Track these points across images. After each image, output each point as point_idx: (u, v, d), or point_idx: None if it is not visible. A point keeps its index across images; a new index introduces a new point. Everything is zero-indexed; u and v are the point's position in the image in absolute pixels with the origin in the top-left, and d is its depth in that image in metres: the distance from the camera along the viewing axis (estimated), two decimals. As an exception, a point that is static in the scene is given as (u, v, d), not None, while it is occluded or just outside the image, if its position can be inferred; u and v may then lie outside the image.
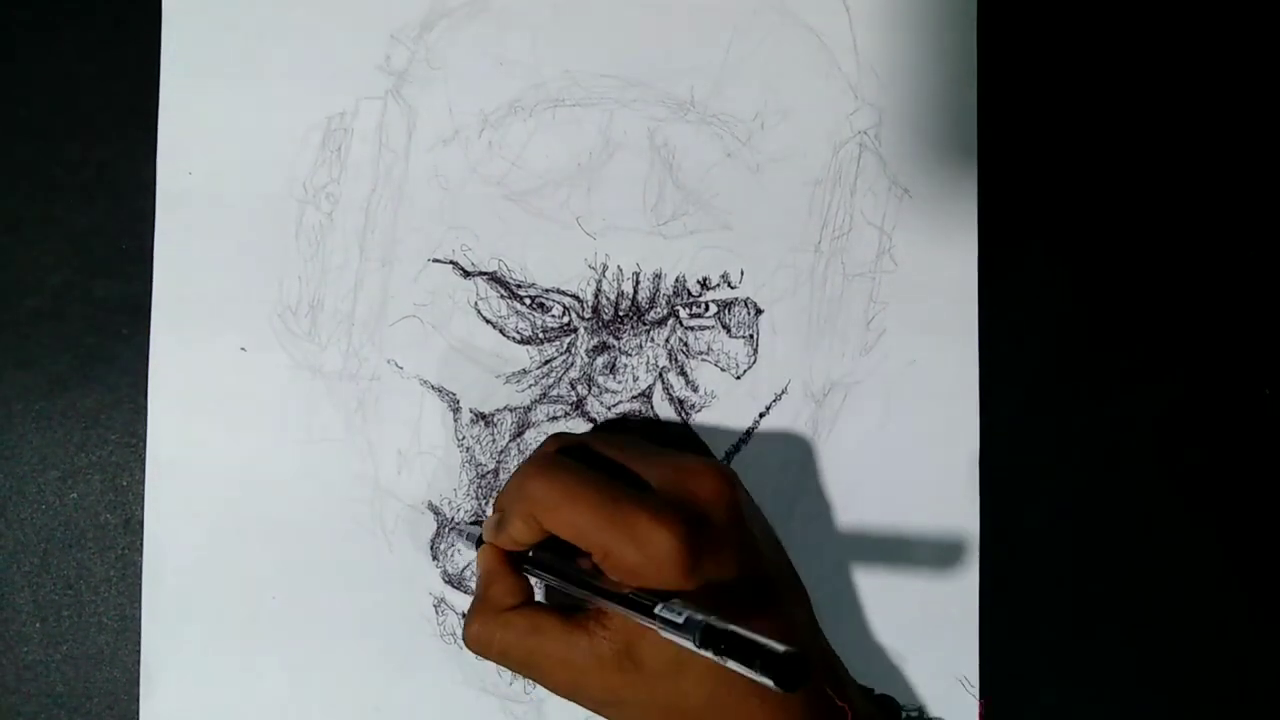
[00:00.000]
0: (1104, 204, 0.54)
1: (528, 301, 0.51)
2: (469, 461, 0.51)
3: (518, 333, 0.51)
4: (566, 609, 0.45)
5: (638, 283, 0.51)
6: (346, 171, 0.51)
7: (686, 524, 0.42)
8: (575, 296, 0.51)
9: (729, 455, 0.52)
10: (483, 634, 0.45)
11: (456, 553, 0.51)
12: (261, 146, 0.50)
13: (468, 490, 0.51)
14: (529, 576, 0.47)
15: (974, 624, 0.52)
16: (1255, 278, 0.54)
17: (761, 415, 0.52)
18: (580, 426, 0.51)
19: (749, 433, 0.52)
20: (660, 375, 0.51)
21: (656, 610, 0.40)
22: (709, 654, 0.38)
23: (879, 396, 0.52)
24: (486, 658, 0.46)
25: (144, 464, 0.50)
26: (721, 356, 0.52)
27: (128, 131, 0.50)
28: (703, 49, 0.52)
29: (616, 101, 0.51)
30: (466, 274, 0.51)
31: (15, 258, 0.50)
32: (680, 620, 0.39)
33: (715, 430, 0.52)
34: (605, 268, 0.51)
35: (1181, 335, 0.54)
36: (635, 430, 0.52)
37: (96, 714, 0.50)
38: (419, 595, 0.51)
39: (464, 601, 0.51)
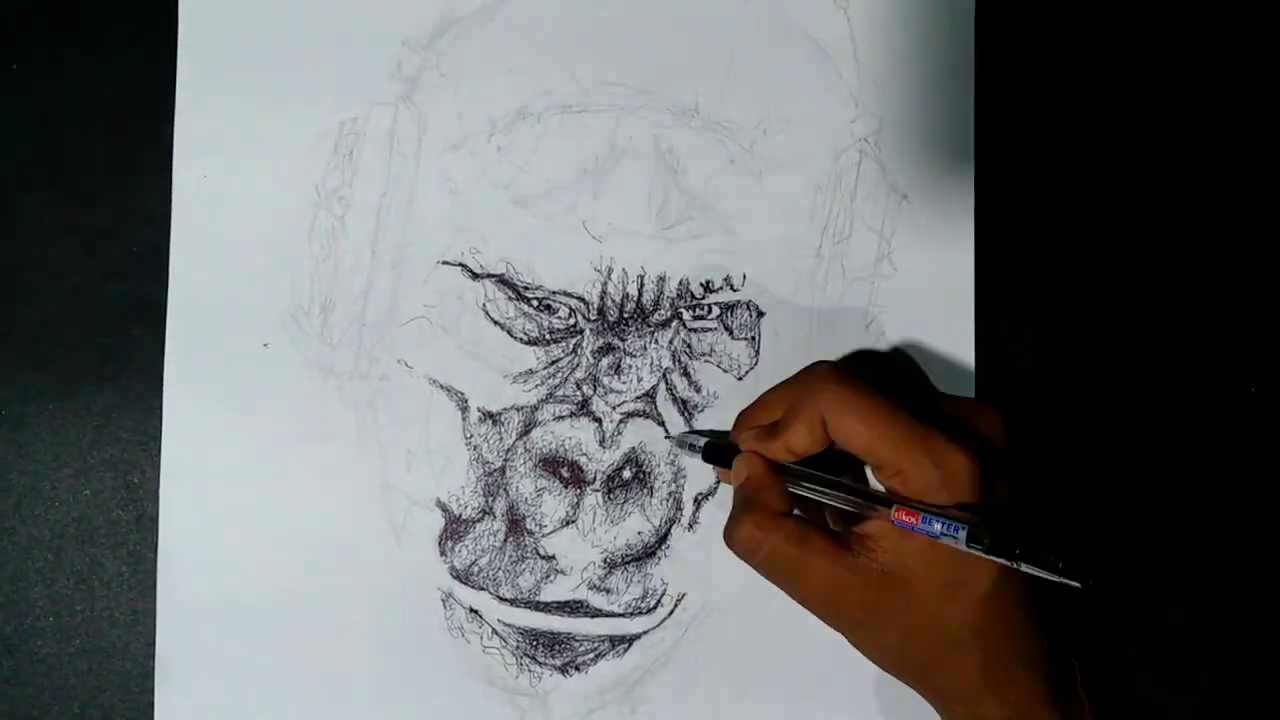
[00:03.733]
0: (1096, 210, 0.54)
1: (535, 303, 0.52)
2: (476, 460, 0.52)
3: (525, 334, 0.52)
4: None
5: (642, 285, 0.52)
6: (358, 176, 0.51)
7: (979, 452, 0.44)
8: (581, 299, 0.52)
9: (731, 454, 0.53)
10: (754, 536, 0.46)
11: (464, 549, 0.52)
12: (275, 150, 0.51)
13: (475, 488, 0.52)
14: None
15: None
16: (1242, 280, 0.55)
17: (763, 415, 0.53)
18: (586, 426, 0.52)
19: (752, 432, 0.53)
20: (664, 376, 0.52)
21: (948, 513, 0.43)
22: (1007, 562, 0.41)
23: (877, 397, 0.53)
24: (749, 561, 0.46)
25: (156, 462, 0.50)
26: (724, 358, 0.53)
27: (144, 135, 0.51)
28: (707, 58, 0.52)
29: (622, 108, 0.52)
30: (475, 276, 0.52)
31: (31, 258, 0.51)
32: (976, 531, 0.41)
33: (717, 430, 0.52)
34: (611, 271, 0.52)
35: (1172, 336, 0.54)
36: None
37: (110, 707, 0.51)
38: (427, 590, 0.51)
39: (471, 596, 0.51)
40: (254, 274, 0.51)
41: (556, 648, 0.52)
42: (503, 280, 0.52)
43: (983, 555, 0.42)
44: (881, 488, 0.46)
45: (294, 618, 0.51)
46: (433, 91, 0.51)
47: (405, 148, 0.51)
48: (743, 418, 0.49)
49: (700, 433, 0.52)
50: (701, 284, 0.52)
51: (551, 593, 0.52)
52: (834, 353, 0.53)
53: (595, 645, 0.52)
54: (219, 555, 0.51)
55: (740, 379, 0.53)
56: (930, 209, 0.53)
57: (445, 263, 0.51)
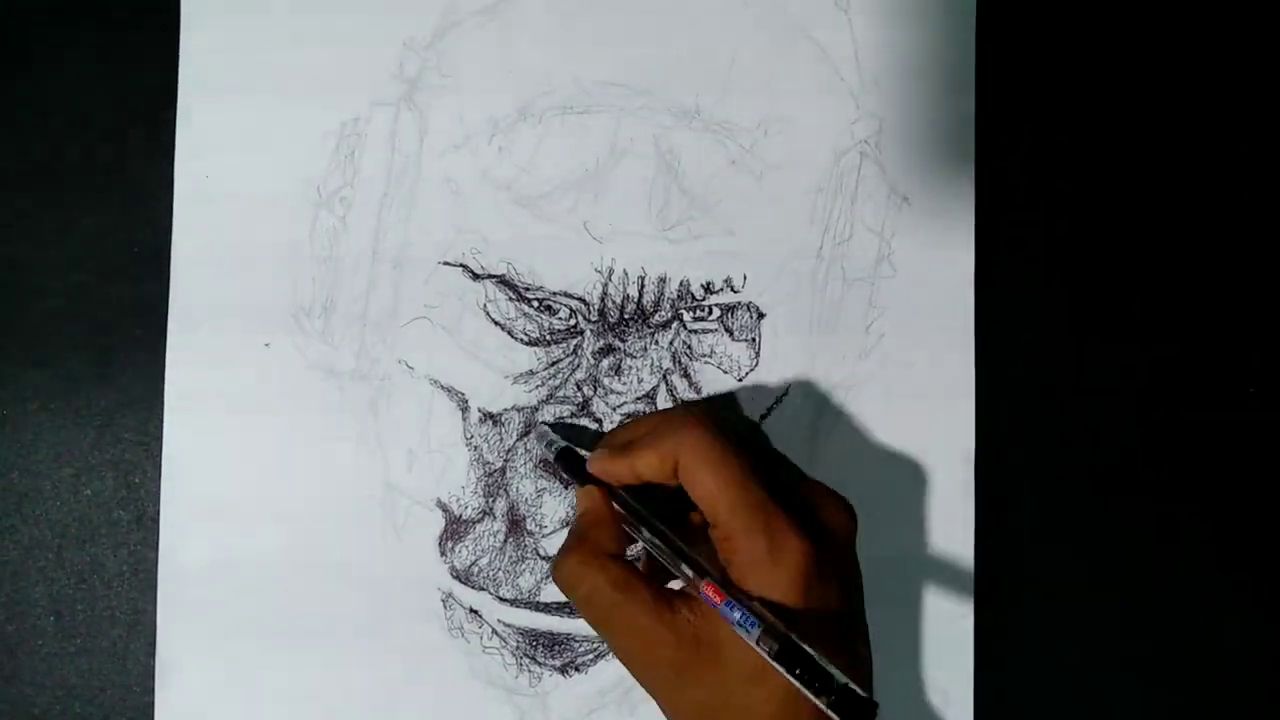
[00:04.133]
0: (1095, 212, 0.54)
1: (535, 304, 0.52)
2: (477, 460, 0.52)
3: (526, 334, 0.52)
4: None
5: (643, 286, 0.52)
6: (360, 176, 0.51)
7: (817, 545, 0.42)
8: (582, 299, 0.52)
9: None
10: (576, 572, 0.44)
11: (464, 549, 0.52)
12: (277, 151, 0.51)
13: (475, 488, 0.52)
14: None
15: (969, 622, 0.52)
16: (1241, 281, 0.55)
17: (763, 417, 0.53)
18: (587, 427, 0.52)
19: (752, 433, 0.53)
20: (664, 377, 0.52)
21: (752, 607, 0.41)
22: (782, 670, 0.39)
23: (878, 399, 0.53)
24: (569, 597, 0.45)
25: (157, 462, 0.51)
26: (724, 359, 0.53)
27: (146, 135, 0.51)
28: (708, 59, 0.52)
29: (623, 109, 0.52)
30: (476, 277, 0.52)
31: (33, 259, 0.51)
32: (771, 631, 0.40)
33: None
34: (611, 272, 0.52)
35: (1171, 338, 0.54)
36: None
37: (110, 706, 0.51)
38: (427, 590, 0.51)
39: (471, 596, 0.51)
40: (255, 274, 0.51)
41: (556, 648, 0.52)
42: (504, 281, 0.52)
43: (766, 658, 0.40)
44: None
45: (294, 617, 0.51)
46: (434, 92, 0.52)
47: (406, 148, 0.51)
48: (609, 436, 0.49)
49: (561, 426, 0.51)
50: (702, 285, 0.52)
51: (551, 593, 0.52)
52: (835, 356, 0.53)
53: (595, 645, 0.52)
54: (219, 556, 0.51)
55: (741, 380, 0.53)
56: (931, 210, 0.53)
57: (446, 263, 0.52)
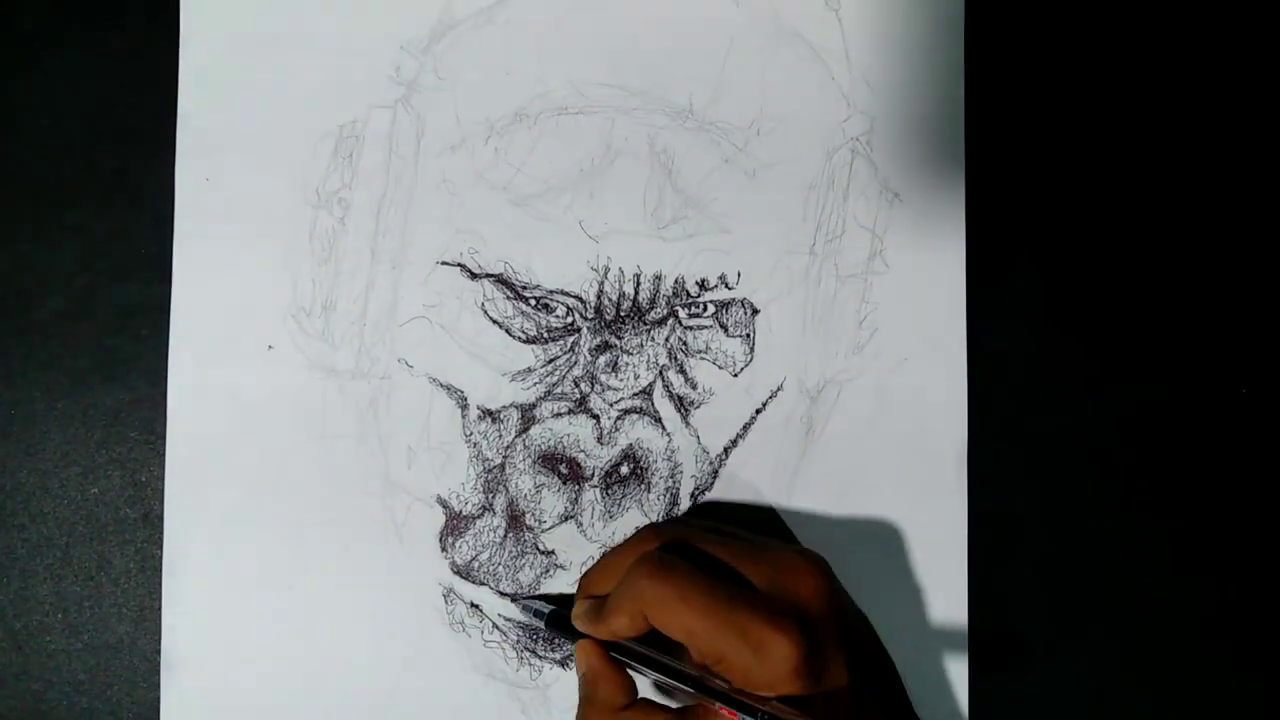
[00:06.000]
0: (1087, 208, 0.54)
1: (533, 302, 0.52)
2: (476, 457, 0.52)
3: (523, 332, 0.52)
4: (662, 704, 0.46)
5: (638, 284, 0.52)
6: (358, 177, 0.52)
7: (799, 627, 0.43)
8: (578, 297, 0.52)
9: (727, 450, 0.53)
10: None
11: (464, 545, 0.52)
12: (276, 153, 0.52)
13: (475, 484, 0.52)
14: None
15: (963, 616, 0.53)
16: (1233, 282, 0.55)
17: (758, 411, 0.53)
18: (584, 423, 0.52)
19: (746, 428, 0.53)
20: (660, 373, 0.52)
21: (768, 708, 0.42)
22: None
23: (871, 393, 0.53)
24: None
25: (162, 460, 0.51)
26: (719, 355, 0.53)
27: (148, 140, 0.51)
28: (701, 59, 0.53)
29: (618, 110, 0.52)
30: (474, 276, 0.52)
31: (39, 261, 0.52)
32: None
33: (713, 426, 0.53)
34: (607, 270, 0.52)
35: (1162, 336, 0.54)
36: (724, 514, 0.52)
37: (117, 701, 0.51)
38: (428, 585, 0.52)
39: (472, 591, 0.52)
40: (256, 275, 0.52)
41: (556, 641, 0.52)
42: (501, 280, 0.52)
43: None
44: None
45: (297, 614, 0.51)
46: (431, 94, 0.52)
47: (404, 150, 0.52)
48: (583, 584, 0.50)
49: (545, 598, 0.52)
50: (697, 282, 0.53)
51: (551, 587, 0.52)
52: (828, 351, 0.53)
53: (594, 639, 0.52)
54: (223, 552, 0.51)
55: (736, 375, 0.53)
56: (922, 207, 0.53)
57: (444, 263, 0.52)
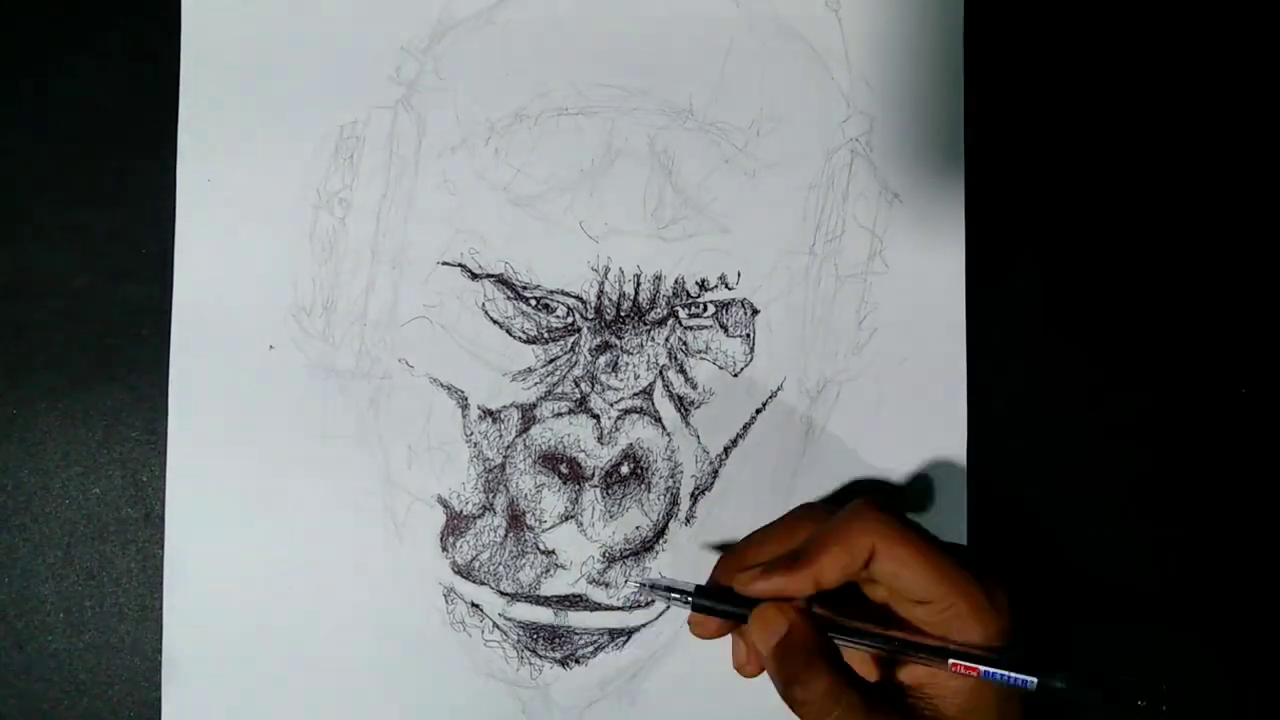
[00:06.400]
0: (1085, 208, 0.54)
1: (533, 302, 0.52)
2: (476, 456, 0.52)
3: (524, 332, 0.52)
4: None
5: (638, 284, 0.52)
6: (359, 178, 0.52)
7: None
8: (579, 298, 0.52)
9: (726, 450, 0.53)
10: (826, 707, 0.42)
11: (465, 544, 0.52)
12: (277, 154, 0.52)
13: (475, 484, 0.52)
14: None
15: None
16: (1232, 282, 0.55)
17: (758, 411, 0.53)
18: (585, 423, 0.52)
19: (746, 427, 0.53)
20: (660, 373, 0.53)
21: (1010, 657, 0.43)
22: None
23: (871, 393, 0.53)
24: None
25: (163, 460, 0.51)
26: (719, 355, 0.53)
27: (149, 140, 0.52)
28: (701, 60, 0.53)
29: (618, 110, 0.52)
30: (474, 276, 0.52)
31: (41, 261, 0.52)
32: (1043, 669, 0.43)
33: (713, 426, 0.53)
34: (607, 270, 0.52)
35: (1162, 335, 0.54)
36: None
37: (118, 701, 0.52)
38: (429, 585, 0.52)
39: (472, 591, 0.52)
40: (257, 275, 0.52)
41: (557, 641, 0.52)
42: (501, 280, 0.52)
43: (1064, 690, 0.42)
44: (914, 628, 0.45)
45: (298, 613, 0.51)
46: (431, 95, 0.52)
47: (404, 150, 0.52)
48: (732, 560, 0.48)
49: (663, 582, 0.51)
50: (697, 282, 0.53)
51: (551, 587, 0.52)
52: (828, 351, 0.53)
53: (595, 638, 0.52)
54: (225, 552, 0.51)
55: (736, 375, 0.53)
56: (921, 207, 0.54)
57: (445, 263, 0.52)
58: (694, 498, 0.53)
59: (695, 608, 0.47)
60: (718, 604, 0.47)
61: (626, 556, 0.52)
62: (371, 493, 0.52)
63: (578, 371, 0.52)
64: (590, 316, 0.52)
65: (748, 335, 0.53)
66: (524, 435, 0.52)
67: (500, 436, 0.52)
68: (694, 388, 0.53)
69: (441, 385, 0.52)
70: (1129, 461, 0.54)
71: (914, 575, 0.44)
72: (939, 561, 0.44)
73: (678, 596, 0.48)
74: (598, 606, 0.52)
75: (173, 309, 0.51)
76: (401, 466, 0.52)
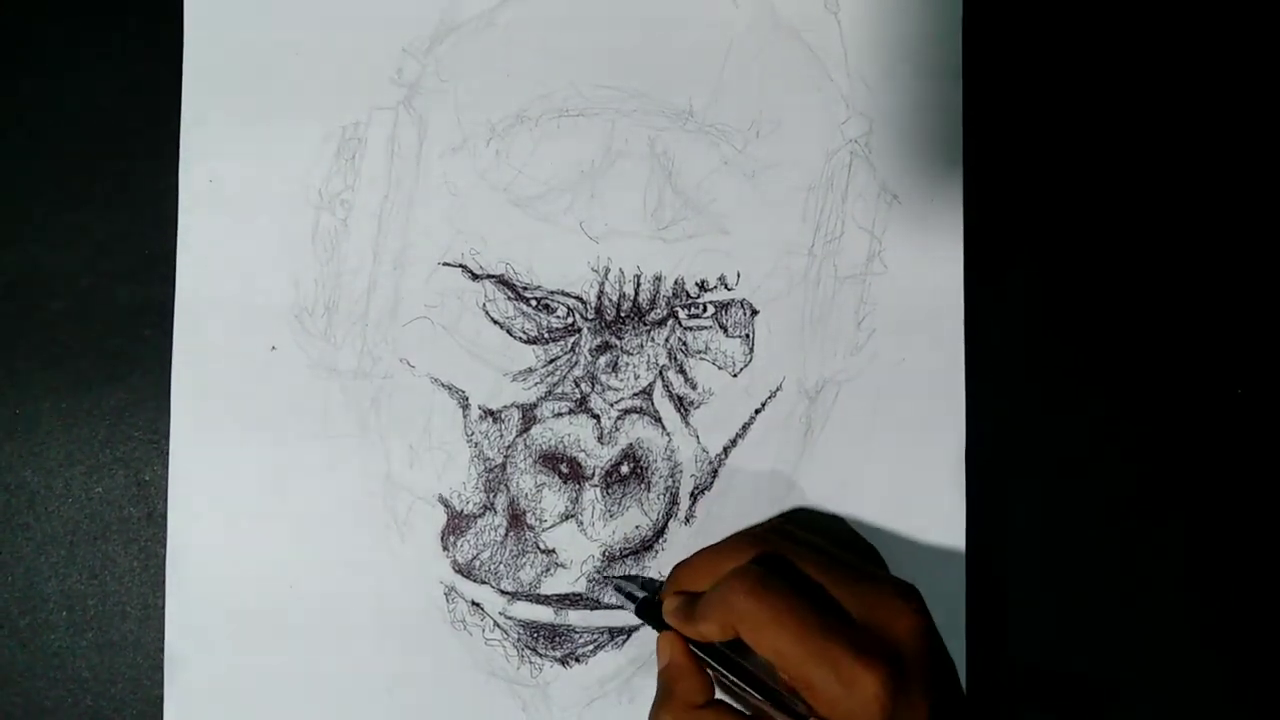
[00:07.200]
0: (1083, 210, 0.55)
1: (533, 303, 0.52)
2: (477, 456, 0.52)
3: (524, 333, 0.53)
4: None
5: (639, 285, 0.53)
6: (360, 179, 0.52)
7: (889, 666, 0.43)
8: (579, 298, 0.52)
9: (726, 450, 0.53)
10: None
11: (465, 544, 0.52)
12: (279, 155, 0.52)
13: (476, 484, 0.52)
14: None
15: (960, 615, 0.53)
16: (1230, 281, 0.55)
17: (757, 411, 0.53)
18: (585, 423, 0.52)
19: (745, 427, 0.53)
20: (660, 373, 0.53)
21: None
22: None
23: (869, 393, 0.53)
24: None
25: (166, 459, 0.51)
26: (719, 355, 0.53)
27: (152, 141, 0.52)
28: (701, 62, 0.53)
29: (618, 111, 0.53)
30: (475, 277, 0.52)
31: (44, 262, 0.52)
32: None
33: (713, 426, 0.53)
34: (608, 270, 0.52)
35: (1159, 336, 0.55)
36: (825, 530, 0.53)
37: (121, 699, 0.52)
38: (430, 583, 0.52)
39: (472, 590, 0.52)
40: (259, 276, 0.52)
41: (557, 639, 0.52)
42: (502, 280, 0.52)
43: None
44: None
45: (299, 612, 0.52)
46: (432, 96, 0.52)
47: (406, 151, 0.52)
48: (675, 576, 0.50)
49: (633, 579, 0.52)
50: (696, 283, 0.53)
51: (552, 586, 0.52)
52: (827, 351, 0.53)
53: (595, 637, 0.53)
54: (227, 551, 0.51)
55: (735, 375, 0.53)
56: (920, 208, 0.54)
57: (446, 264, 0.52)
58: (694, 497, 0.53)
59: (636, 614, 0.51)
60: (649, 619, 0.51)
61: (626, 556, 0.53)
62: (373, 492, 0.52)
63: (578, 371, 0.52)
64: (590, 317, 0.52)
65: (747, 336, 0.53)
66: (524, 435, 0.52)
67: (501, 436, 0.52)
68: (694, 388, 0.53)
69: (442, 385, 0.52)
70: (1127, 461, 0.54)
71: (769, 654, 0.44)
72: (792, 645, 0.43)
73: (630, 604, 0.51)
74: (597, 605, 0.52)
75: (175, 309, 0.52)
76: (403, 466, 0.52)
